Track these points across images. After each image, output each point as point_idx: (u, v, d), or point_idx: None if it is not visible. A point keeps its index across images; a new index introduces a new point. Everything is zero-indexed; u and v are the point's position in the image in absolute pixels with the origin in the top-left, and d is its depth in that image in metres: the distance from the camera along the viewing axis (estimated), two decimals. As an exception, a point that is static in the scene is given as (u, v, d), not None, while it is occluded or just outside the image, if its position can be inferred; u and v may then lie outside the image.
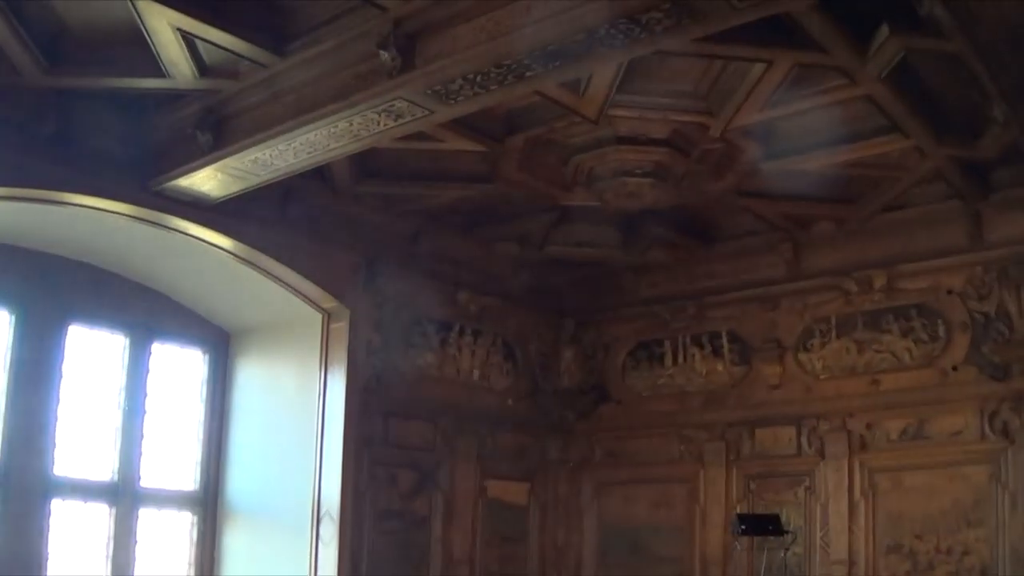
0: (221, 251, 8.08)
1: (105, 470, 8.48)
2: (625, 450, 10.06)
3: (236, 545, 8.97)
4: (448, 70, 5.59)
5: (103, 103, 6.98)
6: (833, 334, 8.87)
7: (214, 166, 6.92)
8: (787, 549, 8.21)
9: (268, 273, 8.34)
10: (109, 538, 8.38)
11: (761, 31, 5.71)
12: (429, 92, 5.81)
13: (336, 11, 5.83)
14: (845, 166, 7.63)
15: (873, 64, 6.03)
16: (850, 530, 8.44)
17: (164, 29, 5.85)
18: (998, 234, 8.05)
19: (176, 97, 6.91)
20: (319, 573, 8.20)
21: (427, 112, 6.07)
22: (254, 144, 6.59)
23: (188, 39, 5.99)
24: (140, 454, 8.68)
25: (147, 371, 8.86)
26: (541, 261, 9.85)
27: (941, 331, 8.32)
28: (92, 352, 8.53)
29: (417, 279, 9.11)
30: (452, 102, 5.92)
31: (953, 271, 8.29)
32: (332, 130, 6.32)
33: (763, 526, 8.05)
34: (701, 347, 9.66)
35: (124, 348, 8.75)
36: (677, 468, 9.62)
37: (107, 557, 8.35)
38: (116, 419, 8.61)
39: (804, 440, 8.87)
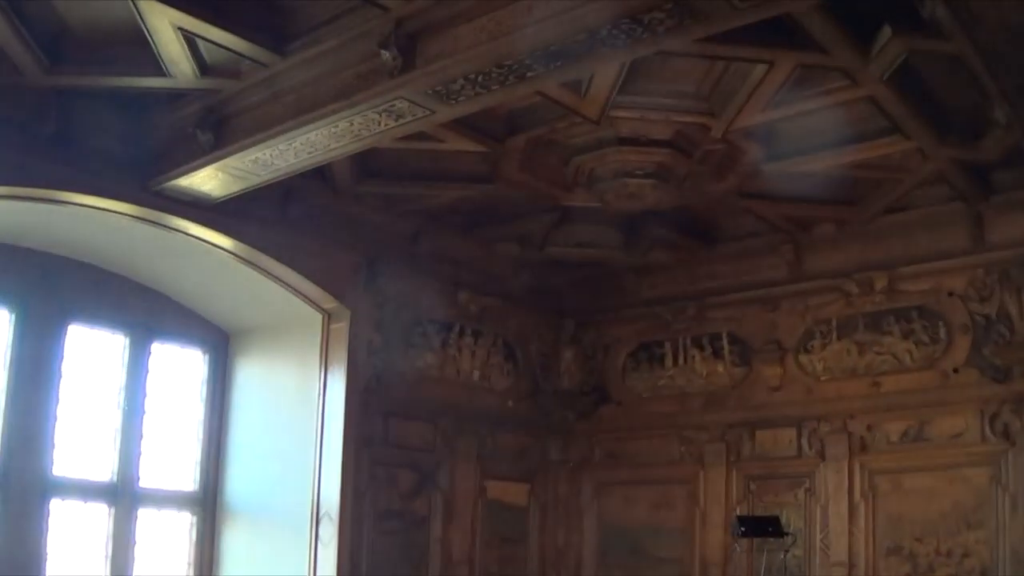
0: (221, 251, 8.07)
1: (104, 470, 8.47)
2: (625, 451, 10.06)
3: (235, 545, 8.96)
4: (449, 70, 5.59)
5: (104, 103, 6.98)
6: (834, 336, 8.86)
7: (214, 166, 6.91)
8: (787, 551, 8.20)
9: (268, 273, 8.34)
10: (108, 538, 8.37)
11: (763, 32, 5.70)
12: (430, 92, 5.80)
13: (337, 11, 5.82)
14: (847, 167, 7.62)
15: (875, 65, 6.02)
16: (850, 532, 8.43)
17: (165, 28, 5.85)
18: (999, 236, 8.04)
19: (177, 96, 6.90)
20: (318, 573, 8.19)
21: (428, 112, 6.06)
22: (255, 144, 6.59)
23: (189, 38, 5.98)
24: (139, 454, 8.67)
25: (147, 371, 8.86)
26: (542, 262, 9.84)
27: (942, 333, 8.31)
28: (92, 352, 8.52)
29: (417, 279, 9.10)
30: (453, 102, 5.92)
31: (954, 273, 8.28)
32: (333, 130, 6.31)
33: (763, 528, 8.04)
34: (701, 348, 9.66)
35: (124, 348, 8.75)
36: (677, 469, 9.61)
37: (106, 557, 8.34)
38: (116, 419, 8.60)
39: (804, 442, 8.86)
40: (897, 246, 8.50)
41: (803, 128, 7.20)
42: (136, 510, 8.58)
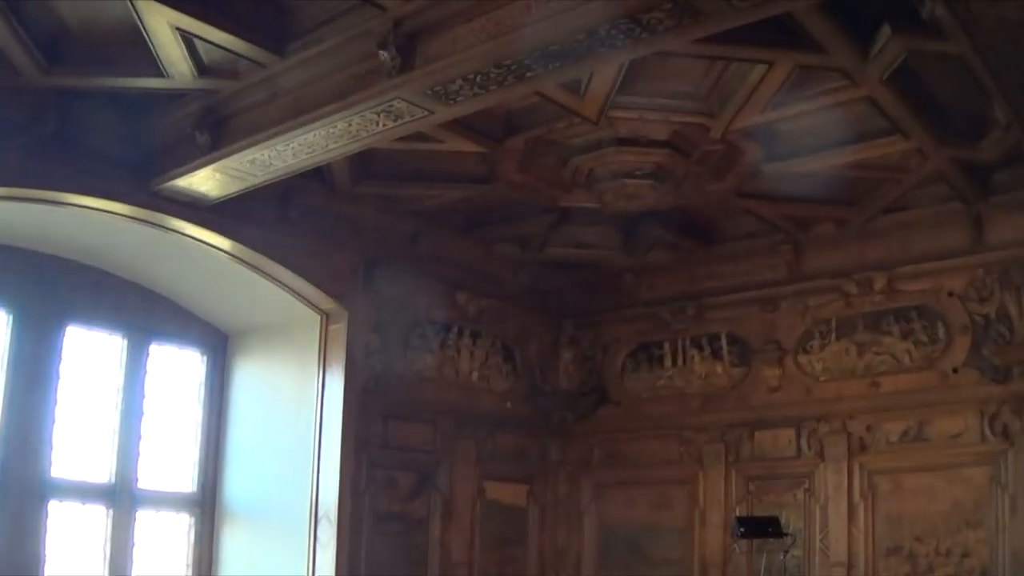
0: (220, 252, 8.05)
1: (103, 472, 8.45)
2: (624, 452, 10.05)
3: (234, 547, 8.94)
4: (448, 70, 5.58)
5: (102, 103, 6.97)
6: (833, 336, 8.86)
7: (213, 166, 6.90)
8: (786, 551, 8.19)
9: (267, 274, 8.32)
10: (106, 540, 8.35)
11: (762, 32, 5.70)
12: (429, 92, 5.79)
13: (336, 11, 5.81)
14: (846, 168, 7.62)
15: (874, 66, 6.02)
16: (850, 532, 8.43)
17: (163, 29, 5.84)
18: (999, 236, 8.05)
19: (175, 97, 6.89)
20: (317, 575, 8.18)
21: (427, 112, 6.06)
22: (253, 144, 6.57)
23: (187, 39, 5.97)
24: (138, 455, 8.66)
25: (145, 372, 8.84)
26: (541, 262, 9.84)
27: (941, 333, 8.31)
28: (90, 353, 8.50)
29: (416, 280, 9.09)
30: (452, 102, 5.91)
31: (954, 273, 8.28)
32: (331, 130, 6.30)
33: (762, 528, 8.03)
34: (701, 349, 9.66)
35: (122, 349, 8.73)
36: (676, 470, 9.61)
37: (105, 559, 8.32)
38: (114, 420, 8.58)
39: (804, 442, 8.86)
40: (896, 246, 8.51)
41: (802, 128, 7.20)
42: (135, 511, 8.56)
